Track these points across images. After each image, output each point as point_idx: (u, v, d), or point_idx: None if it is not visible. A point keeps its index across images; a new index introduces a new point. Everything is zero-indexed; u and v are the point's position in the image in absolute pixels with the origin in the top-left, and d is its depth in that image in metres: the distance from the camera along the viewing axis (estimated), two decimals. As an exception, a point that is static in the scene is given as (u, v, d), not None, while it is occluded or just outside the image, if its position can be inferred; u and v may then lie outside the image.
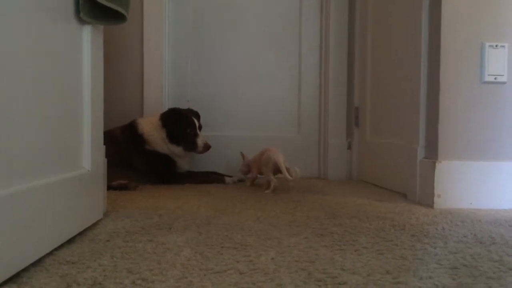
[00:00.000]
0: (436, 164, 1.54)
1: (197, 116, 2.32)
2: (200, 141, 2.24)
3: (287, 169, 1.89)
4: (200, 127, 2.29)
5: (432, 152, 1.60)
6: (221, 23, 2.62)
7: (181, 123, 2.22)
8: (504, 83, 1.56)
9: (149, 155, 2.22)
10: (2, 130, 0.73)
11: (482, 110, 1.56)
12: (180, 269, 0.81)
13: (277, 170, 1.94)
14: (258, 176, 2.13)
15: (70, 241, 1.01)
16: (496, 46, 1.54)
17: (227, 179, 2.27)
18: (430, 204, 1.55)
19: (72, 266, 0.83)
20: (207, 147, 2.24)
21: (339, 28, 2.56)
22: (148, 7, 2.49)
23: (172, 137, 2.22)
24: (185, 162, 2.33)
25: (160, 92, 2.52)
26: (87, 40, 1.13)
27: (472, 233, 1.12)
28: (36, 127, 0.86)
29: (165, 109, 2.36)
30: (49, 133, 0.92)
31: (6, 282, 0.73)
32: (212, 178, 2.30)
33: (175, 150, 2.24)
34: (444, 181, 1.54)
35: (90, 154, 1.13)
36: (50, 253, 0.90)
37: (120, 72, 2.50)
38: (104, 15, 1.13)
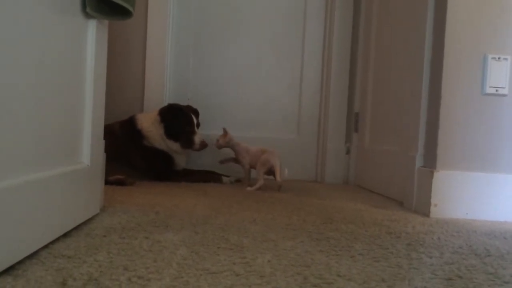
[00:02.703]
0: (434, 173, 1.54)
1: (196, 113, 2.32)
2: (197, 139, 2.24)
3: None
4: (198, 125, 2.29)
5: (431, 161, 1.60)
6: (224, 23, 2.62)
7: (180, 119, 2.23)
8: (505, 95, 1.57)
9: (147, 151, 2.23)
10: (1, 122, 0.72)
11: (482, 122, 1.57)
12: (176, 268, 0.81)
13: (270, 173, 1.98)
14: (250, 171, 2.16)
15: (66, 235, 1.01)
16: (499, 58, 1.55)
17: (224, 179, 2.27)
18: (426, 213, 1.55)
19: (68, 260, 0.83)
20: (203, 145, 2.25)
21: (342, 32, 2.57)
22: (152, 5, 2.49)
23: (170, 133, 2.22)
24: (182, 158, 2.33)
25: (161, 89, 2.52)
26: (92, 35, 1.12)
27: (468, 244, 1.13)
28: (36, 120, 0.86)
29: (165, 106, 2.36)
30: (49, 126, 0.92)
31: (1, 274, 0.72)
32: (209, 177, 2.30)
33: (172, 146, 2.24)
34: (441, 190, 1.54)
35: (89, 149, 1.13)
36: (46, 246, 0.90)
37: (122, 69, 2.50)
38: (110, 10, 1.13)
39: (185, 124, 2.23)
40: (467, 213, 1.54)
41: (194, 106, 2.38)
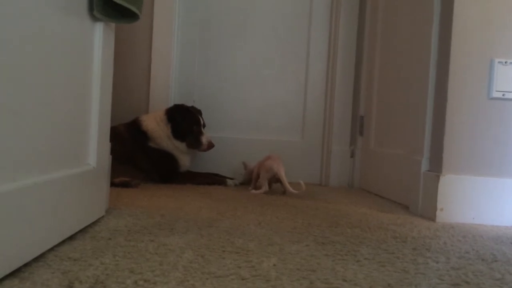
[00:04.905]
0: (440, 177, 1.54)
1: (200, 113, 2.34)
2: (204, 139, 2.25)
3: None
4: (204, 125, 2.30)
5: (436, 165, 1.60)
6: (230, 25, 2.62)
7: (188, 120, 2.24)
8: (511, 100, 1.56)
9: (152, 153, 2.23)
10: (9, 124, 0.73)
11: (489, 126, 1.56)
12: (182, 271, 0.81)
13: (276, 180, 1.98)
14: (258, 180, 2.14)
15: (72, 237, 1.01)
16: (506, 62, 1.54)
17: (229, 182, 2.27)
18: (432, 217, 1.54)
19: (74, 263, 0.83)
20: (211, 146, 2.26)
21: (348, 35, 2.57)
22: (158, 7, 2.49)
23: (177, 133, 2.23)
24: (187, 159, 2.33)
25: (166, 91, 2.53)
26: (99, 38, 1.13)
27: (474, 249, 1.12)
28: (44, 122, 0.86)
29: (170, 108, 2.36)
30: (57, 128, 0.92)
31: (8, 276, 0.72)
32: (214, 179, 2.30)
33: (179, 146, 2.25)
34: (447, 194, 1.53)
35: (96, 151, 1.13)
36: (52, 248, 0.90)
37: (127, 70, 2.51)
38: (117, 13, 1.13)
39: (193, 124, 2.24)
40: (473, 218, 1.53)
41: (199, 107, 2.39)
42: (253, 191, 2.01)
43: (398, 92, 2.07)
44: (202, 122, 2.28)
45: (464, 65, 1.55)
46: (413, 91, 1.82)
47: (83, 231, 1.08)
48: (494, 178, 1.55)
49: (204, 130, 2.29)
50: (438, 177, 1.54)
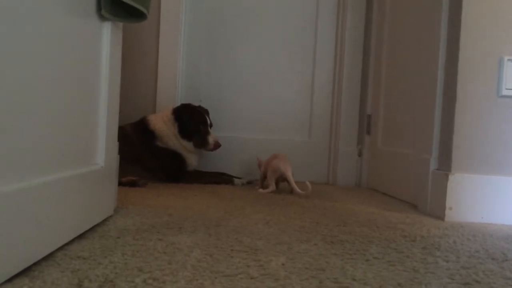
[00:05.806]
0: (449, 176, 1.52)
1: (207, 113, 2.34)
2: (211, 139, 2.25)
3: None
4: (211, 125, 2.30)
5: (445, 163, 1.58)
6: (237, 24, 2.62)
7: (195, 119, 2.24)
8: (521, 97, 1.54)
9: (160, 152, 2.24)
10: (18, 124, 0.73)
11: (498, 124, 1.54)
12: (191, 270, 0.81)
13: (283, 180, 1.97)
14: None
15: (81, 236, 1.01)
16: (515, 60, 1.52)
17: (236, 181, 2.27)
18: (441, 216, 1.53)
19: (83, 262, 0.83)
20: (217, 145, 2.26)
21: (354, 34, 2.55)
22: (165, 7, 2.49)
23: (184, 132, 2.24)
24: (194, 158, 2.33)
25: (173, 90, 2.53)
26: (107, 37, 1.13)
27: (484, 248, 1.11)
28: (52, 122, 0.86)
29: (178, 107, 2.36)
30: (65, 128, 0.93)
31: (18, 275, 0.73)
32: (221, 179, 2.30)
33: (186, 145, 2.26)
34: (456, 193, 1.52)
35: (104, 150, 1.14)
36: (61, 247, 0.91)
37: (134, 70, 2.51)
38: (124, 12, 1.13)
39: (199, 124, 2.24)
40: (482, 217, 1.51)
41: (206, 107, 2.39)
42: (261, 190, 2.01)
43: (405, 91, 2.06)
44: (209, 122, 2.29)
45: (473, 63, 1.54)
46: (421, 90, 1.81)
47: (91, 230, 1.08)
48: (503, 176, 1.53)
49: (211, 130, 2.29)
50: (447, 176, 1.53)
